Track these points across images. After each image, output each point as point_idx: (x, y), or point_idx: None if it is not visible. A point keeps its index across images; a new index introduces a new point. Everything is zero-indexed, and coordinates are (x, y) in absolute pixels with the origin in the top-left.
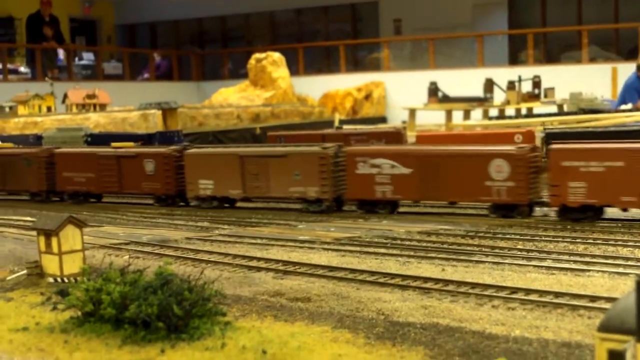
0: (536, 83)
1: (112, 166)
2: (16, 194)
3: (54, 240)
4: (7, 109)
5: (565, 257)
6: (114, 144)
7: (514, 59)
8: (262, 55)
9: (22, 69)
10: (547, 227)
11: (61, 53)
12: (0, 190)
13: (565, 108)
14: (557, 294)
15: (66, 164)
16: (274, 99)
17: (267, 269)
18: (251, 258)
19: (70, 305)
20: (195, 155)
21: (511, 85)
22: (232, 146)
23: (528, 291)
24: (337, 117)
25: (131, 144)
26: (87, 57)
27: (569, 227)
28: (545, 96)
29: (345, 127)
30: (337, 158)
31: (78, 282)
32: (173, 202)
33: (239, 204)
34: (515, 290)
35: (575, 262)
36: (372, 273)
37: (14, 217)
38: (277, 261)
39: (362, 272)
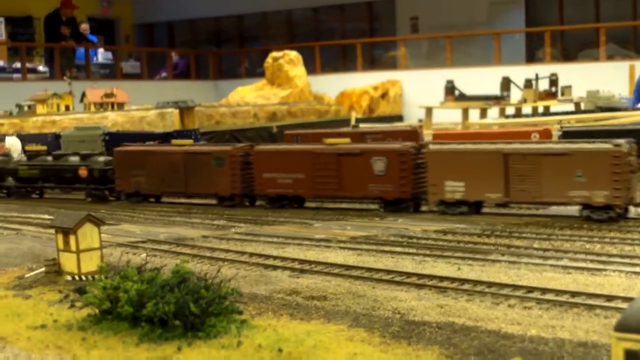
0: (553, 81)
1: (330, 165)
2: (201, 197)
3: (72, 238)
4: (25, 108)
5: (582, 256)
6: (328, 140)
7: (531, 57)
8: (279, 54)
9: (41, 68)
10: (563, 225)
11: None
12: (181, 193)
13: (583, 106)
14: (574, 294)
15: (268, 163)
16: (290, 97)
17: (284, 268)
18: (267, 256)
19: (87, 303)
20: (440, 152)
21: (528, 84)
22: (487, 142)
23: (544, 290)
24: (354, 115)
25: (347, 139)
26: (105, 56)
27: (585, 226)
28: (562, 94)
29: (361, 125)
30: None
31: (96, 280)
32: (407, 207)
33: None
34: (531, 289)
35: (592, 261)
36: (388, 272)
37: (32, 215)
38: (294, 260)
39: (378, 270)
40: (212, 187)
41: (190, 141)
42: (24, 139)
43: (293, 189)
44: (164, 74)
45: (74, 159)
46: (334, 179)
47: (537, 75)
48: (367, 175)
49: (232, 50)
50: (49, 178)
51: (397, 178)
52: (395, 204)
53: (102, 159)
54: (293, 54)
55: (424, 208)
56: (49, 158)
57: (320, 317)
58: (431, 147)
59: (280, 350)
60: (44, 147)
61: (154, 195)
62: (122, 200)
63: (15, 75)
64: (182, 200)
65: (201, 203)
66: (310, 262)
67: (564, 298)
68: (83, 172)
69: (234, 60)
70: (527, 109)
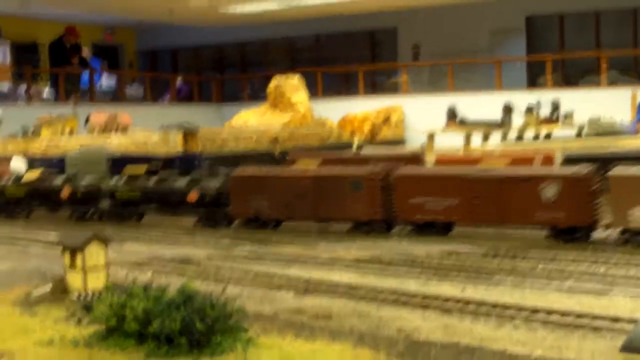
0: (555, 107)
1: (489, 192)
2: (329, 221)
3: (79, 257)
4: (30, 131)
5: (587, 278)
6: (482, 164)
7: (533, 83)
8: (281, 79)
9: (46, 92)
10: (568, 248)
11: (85, 75)
12: (309, 218)
13: (584, 132)
14: (579, 315)
15: (412, 187)
16: (292, 122)
17: (288, 287)
18: (272, 276)
19: (94, 320)
20: (626, 178)
21: (530, 109)
22: None
23: (549, 312)
24: (356, 140)
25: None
26: (108, 84)
27: (590, 248)
28: (564, 120)
29: (364, 150)
30: None
31: (102, 297)
32: (581, 236)
33: None
34: (536, 310)
35: (597, 282)
36: (393, 292)
37: (40, 234)
38: (298, 279)
39: (382, 291)
40: (347, 212)
41: (315, 163)
42: (31, 162)
43: (444, 215)
44: (167, 98)
45: (182, 182)
46: (494, 206)
47: (538, 101)
48: (533, 202)
49: (234, 76)
50: (152, 201)
51: (572, 205)
52: (568, 232)
53: (214, 182)
54: (295, 80)
55: (598, 235)
56: (152, 180)
57: (325, 336)
58: (618, 172)
59: None
60: (144, 168)
61: (275, 220)
62: (235, 227)
63: (19, 100)
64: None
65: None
66: (315, 282)
67: (569, 320)
68: (193, 196)
69: (236, 85)
70: (529, 134)
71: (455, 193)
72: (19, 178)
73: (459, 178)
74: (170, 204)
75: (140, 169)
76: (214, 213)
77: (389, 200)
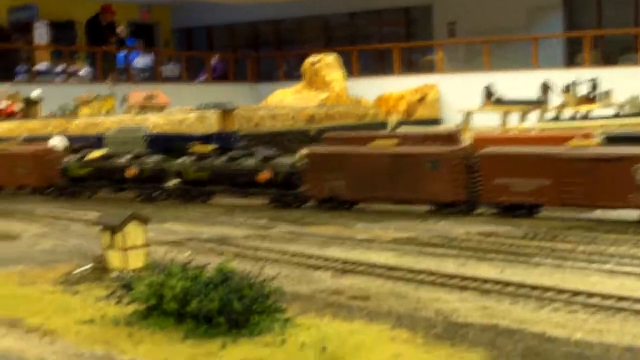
0: (593, 85)
1: (581, 172)
2: (409, 203)
3: (118, 236)
4: (69, 110)
5: (628, 261)
6: (572, 143)
7: (571, 61)
8: (316, 58)
9: (83, 71)
10: (608, 229)
11: (121, 55)
12: (387, 199)
13: (624, 111)
14: (620, 298)
15: (498, 167)
16: (328, 100)
17: (326, 267)
18: (310, 256)
19: (134, 299)
20: None
21: (567, 88)
22: None
23: (590, 294)
24: (392, 119)
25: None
26: (144, 62)
27: (631, 230)
28: (603, 99)
29: (399, 129)
30: None
31: (141, 276)
32: None
33: None
34: (576, 293)
35: (638, 265)
36: (431, 273)
37: (80, 213)
38: (336, 260)
39: (420, 272)
40: (427, 192)
41: (394, 141)
42: (68, 140)
43: (533, 197)
44: (203, 77)
45: (253, 161)
46: (583, 187)
47: (576, 79)
48: (627, 184)
49: (270, 53)
50: (221, 181)
51: None
52: None
53: (288, 161)
54: (330, 58)
55: None
56: (222, 159)
57: (363, 317)
58: None
59: (323, 349)
60: (212, 147)
61: (353, 201)
62: (308, 207)
63: (58, 78)
64: (389, 207)
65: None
66: (352, 263)
67: (610, 302)
68: (265, 175)
69: (271, 63)
70: (567, 113)
71: (544, 173)
72: (82, 157)
73: (549, 158)
74: (239, 184)
75: (207, 147)
76: (286, 194)
77: (471, 181)
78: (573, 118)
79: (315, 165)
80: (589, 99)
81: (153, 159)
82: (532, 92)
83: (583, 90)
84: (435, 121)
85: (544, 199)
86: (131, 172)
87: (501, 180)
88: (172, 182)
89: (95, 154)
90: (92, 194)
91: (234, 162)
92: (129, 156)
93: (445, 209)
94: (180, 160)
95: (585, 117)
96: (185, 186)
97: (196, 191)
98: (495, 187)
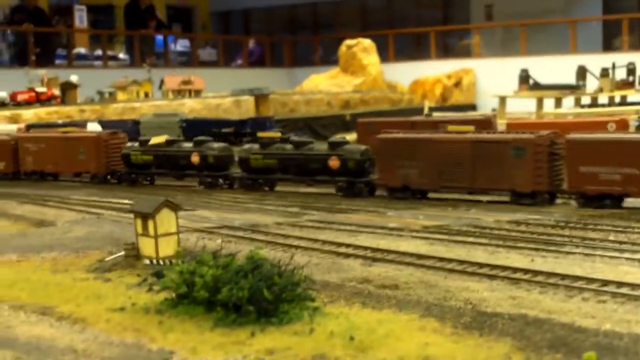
0: (631, 70)
1: None
2: (486, 193)
3: (151, 223)
4: (107, 95)
5: None
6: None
7: (608, 45)
8: (353, 42)
9: (121, 55)
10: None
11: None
12: (465, 189)
13: None
14: None
15: (586, 155)
16: (363, 85)
17: (356, 256)
18: (340, 244)
19: (165, 287)
20: None
21: (605, 73)
22: None
23: (619, 284)
24: (427, 104)
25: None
26: (182, 44)
27: None
28: None
29: (434, 114)
30: None
31: (173, 264)
32: None
33: None
34: (606, 282)
35: None
36: (460, 262)
37: (113, 200)
38: (366, 248)
39: (450, 260)
40: (507, 182)
41: (470, 127)
42: (105, 125)
43: (621, 186)
44: (239, 62)
45: (321, 148)
46: None
47: (614, 64)
48: None
49: (306, 37)
50: (289, 169)
51: None
52: None
53: (357, 147)
54: (367, 42)
55: None
56: (288, 146)
57: (392, 306)
58: None
59: (352, 338)
60: (278, 134)
61: (427, 190)
62: (379, 196)
63: (96, 63)
64: (466, 197)
65: (489, 200)
66: (382, 251)
67: (639, 293)
68: (334, 163)
69: (308, 48)
70: (603, 98)
71: (634, 162)
72: (144, 143)
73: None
74: (310, 171)
75: (274, 133)
76: (355, 182)
77: (554, 169)
78: (611, 103)
79: (387, 152)
80: (626, 84)
81: (218, 146)
82: (568, 77)
83: (620, 74)
84: (471, 107)
85: (633, 189)
86: (196, 158)
87: (587, 169)
88: (235, 171)
89: (158, 139)
90: (152, 180)
91: (303, 148)
92: (192, 142)
93: (524, 199)
94: (246, 147)
95: (622, 103)
96: (250, 174)
97: (263, 179)
98: (580, 176)
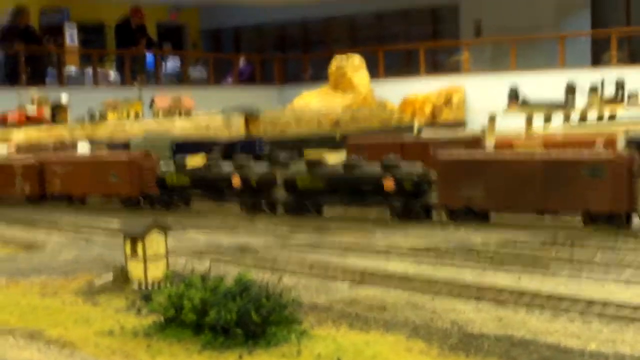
0: (619, 86)
1: None
2: (557, 214)
3: (140, 246)
4: (97, 115)
5: None
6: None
7: (597, 60)
8: (343, 58)
9: (112, 74)
10: (627, 235)
11: (149, 57)
12: (536, 210)
13: None
14: (635, 307)
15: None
16: (354, 103)
17: (344, 278)
18: (328, 266)
19: (153, 310)
20: None
21: (593, 89)
22: None
23: (605, 304)
24: (417, 123)
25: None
26: (173, 64)
27: None
28: (629, 100)
29: (424, 133)
30: None
31: (161, 287)
32: None
33: None
34: (592, 302)
35: None
36: (447, 283)
37: (102, 223)
38: (354, 271)
39: (437, 282)
40: (581, 202)
41: (539, 146)
42: (95, 145)
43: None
44: (229, 80)
45: (374, 168)
46: None
47: (602, 80)
48: None
49: (296, 55)
50: (337, 190)
51: None
52: None
53: (414, 168)
54: (357, 60)
55: None
56: (338, 166)
57: (379, 328)
58: None
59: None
60: (323, 151)
61: (493, 211)
62: (436, 219)
63: (87, 82)
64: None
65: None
66: (370, 273)
67: (625, 312)
68: (389, 184)
69: (298, 65)
70: (592, 115)
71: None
72: (182, 164)
73: None
74: (360, 193)
75: (319, 152)
76: (412, 204)
77: (633, 189)
78: (600, 119)
79: (447, 173)
80: (615, 101)
81: (260, 167)
82: (558, 93)
83: (609, 91)
84: (460, 124)
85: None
86: (237, 181)
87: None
88: (281, 192)
89: (195, 160)
90: (187, 202)
91: (353, 168)
92: (232, 164)
93: (599, 221)
94: (293, 169)
95: (612, 118)
96: (295, 197)
97: (310, 202)
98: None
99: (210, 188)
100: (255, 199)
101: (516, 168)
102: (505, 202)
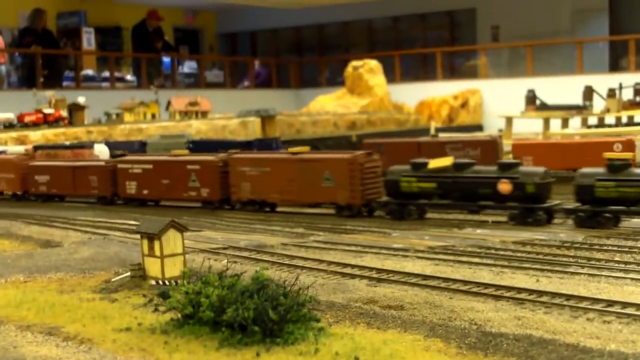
0: (637, 90)
1: None
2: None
3: (157, 244)
4: (114, 116)
5: None
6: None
7: (615, 66)
8: (359, 63)
9: (129, 77)
10: None
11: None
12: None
13: None
14: None
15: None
16: (370, 106)
17: (361, 276)
18: (345, 265)
19: (170, 307)
20: None
21: (611, 93)
22: None
23: (625, 304)
24: (433, 125)
25: None
26: (190, 66)
27: None
28: None
29: (440, 135)
30: None
31: (178, 285)
32: None
33: None
34: (611, 303)
35: None
36: (465, 282)
37: (119, 221)
38: (371, 269)
39: (455, 281)
40: None
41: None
42: (112, 146)
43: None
44: (246, 83)
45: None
46: None
47: (620, 84)
48: None
49: (313, 59)
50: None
51: None
52: None
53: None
54: (373, 63)
55: None
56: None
57: (397, 327)
58: None
59: (356, 358)
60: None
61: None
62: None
63: (104, 84)
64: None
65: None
66: (387, 272)
67: None
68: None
69: (314, 69)
70: (610, 119)
71: None
72: (421, 166)
73: None
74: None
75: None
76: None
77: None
78: (617, 124)
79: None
80: (632, 104)
81: (538, 171)
82: (575, 97)
83: (627, 95)
84: (478, 127)
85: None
86: (506, 187)
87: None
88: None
89: (441, 162)
90: (420, 212)
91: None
92: (496, 167)
93: None
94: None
95: (629, 123)
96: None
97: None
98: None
99: (463, 195)
100: (530, 208)
101: None
102: None
